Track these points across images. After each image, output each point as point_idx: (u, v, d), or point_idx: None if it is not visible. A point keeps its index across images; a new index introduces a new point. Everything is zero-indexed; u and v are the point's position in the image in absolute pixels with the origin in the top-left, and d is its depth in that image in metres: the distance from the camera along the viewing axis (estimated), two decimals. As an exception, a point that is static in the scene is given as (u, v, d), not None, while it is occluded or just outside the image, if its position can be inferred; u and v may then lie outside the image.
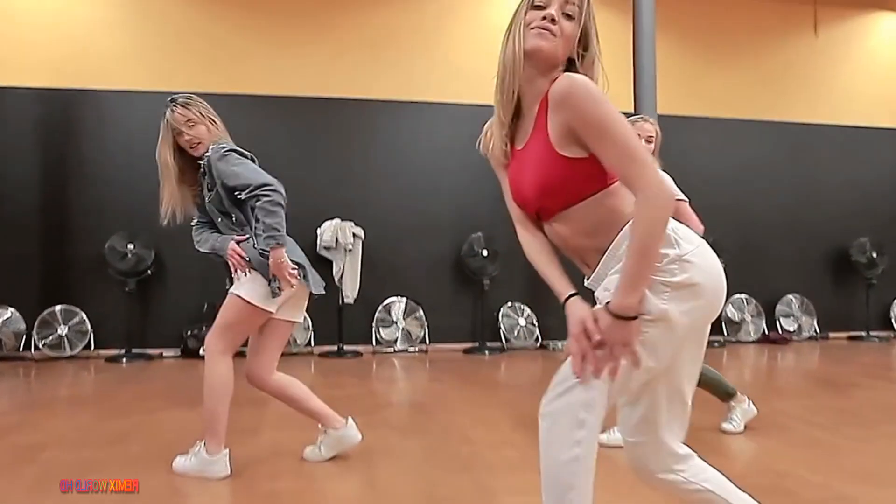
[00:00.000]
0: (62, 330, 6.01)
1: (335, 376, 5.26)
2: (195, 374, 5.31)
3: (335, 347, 6.45)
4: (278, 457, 2.87)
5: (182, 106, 2.60)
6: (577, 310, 1.33)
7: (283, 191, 2.56)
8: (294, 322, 2.78)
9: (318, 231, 6.41)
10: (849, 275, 7.66)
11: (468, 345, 6.78)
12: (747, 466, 2.84)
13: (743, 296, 7.33)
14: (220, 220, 2.67)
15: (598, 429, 1.29)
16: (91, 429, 3.42)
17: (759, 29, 7.72)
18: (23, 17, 6.33)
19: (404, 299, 6.71)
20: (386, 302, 6.68)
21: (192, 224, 2.77)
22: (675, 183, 2.76)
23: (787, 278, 7.59)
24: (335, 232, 6.39)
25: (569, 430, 1.26)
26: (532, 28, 1.34)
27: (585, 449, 1.26)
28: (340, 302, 6.41)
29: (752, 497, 1.46)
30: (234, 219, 2.63)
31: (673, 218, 1.30)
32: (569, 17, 1.35)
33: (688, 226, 1.41)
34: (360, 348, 6.53)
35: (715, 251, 1.38)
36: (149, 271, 6.15)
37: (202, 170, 2.64)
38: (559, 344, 6.82)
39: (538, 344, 6.92)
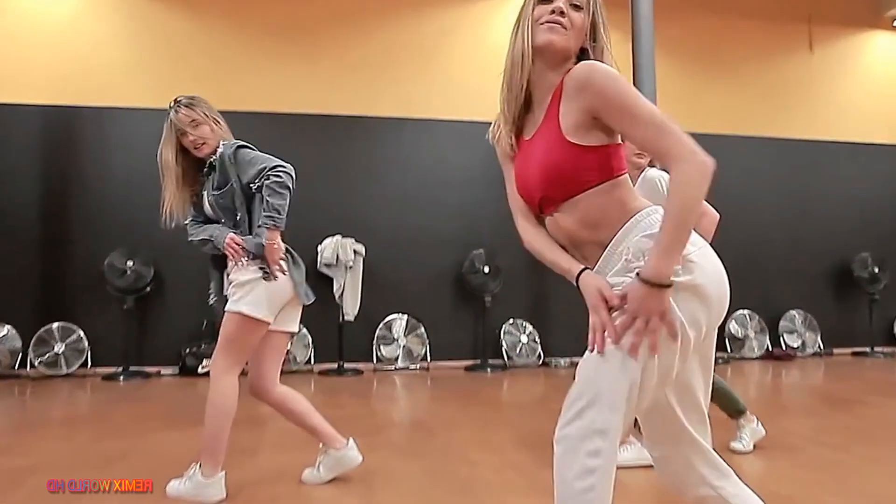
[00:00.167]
0: (59, 347, 5.89)
1: (335, 395, 5.14)
2: (193, 392, 5.20)
3: (335, 365, 6.33)
4: (276, 479, 2.74)
5: (186, 107, 2.55)
6: (591, 280, 1.29)
7: (293, 174, 2.51)
8: (290, 332, 2.69)
9: (319, 248, 6.31)
10: (851, 290, 7.57)
11: (470, 362, 6.67)
12: (760, 488, 2.69)
13: (746, 312, 7.24)
14: (223, 219, 2.60)
15: (615, 455, 1.22)
16: (84, 451, 3.29)
17: (756, 47, 7.72)
18: (26, 35, 6.31)
19: (405, 316, 6.61)
20: (387, 319, 6.58)
21: (187, 222, 2.69)
22: None
23: (790, 294, 7.50)
24: (336, 249, 6.31)
25: (584, 457, 1.19)
26: (542, 23, 1.32)
27: (600, 477, 1.19)
28: (341, 319, 6.31)
29: None
30: (238, 217, 2.56)
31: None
32: (577, 7, 1.34)
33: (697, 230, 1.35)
34: (360, 366, 6.42)
35: None
36: (147, 288, 6.05)
37: (207, 169, 2.58)
38: (562, 361, 6.71)
39: (540, 361, 6.80)
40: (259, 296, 2.46)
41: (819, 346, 7.42)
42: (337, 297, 6.31)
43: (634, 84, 5.80)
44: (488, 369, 6.48)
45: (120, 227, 6.15)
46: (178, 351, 6.09)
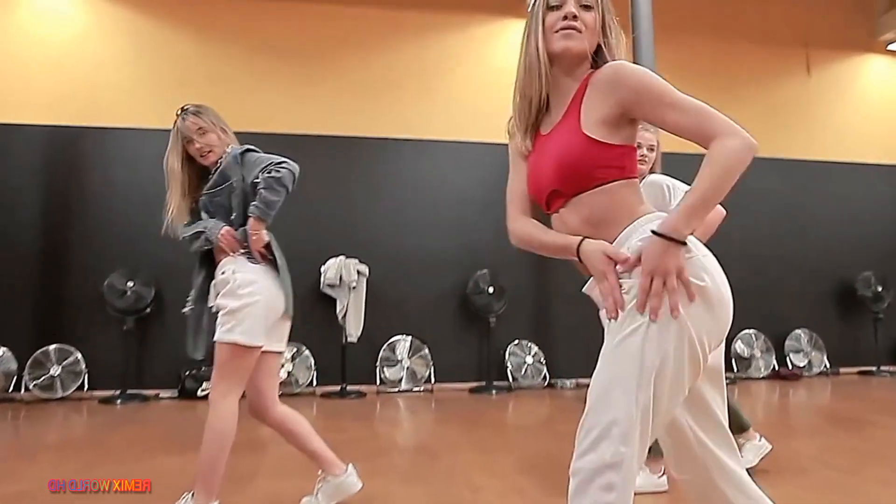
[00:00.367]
0: (55, 370, 5.63)
1: (337, 418, 4.93)
2: (192, 415, 4.96)
3: (338, 388, 6.09)
4: (274, 508, 2.60)
5: (193, 114, 2.48)
6: (594, 246, 1.26)
7: (296, 172, 2.44)
8: (280, 352, 2.56)
9: (322, 269, 6.12)
10: (855, 309, 7.40)
11: (474, 384, 6.43)
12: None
13: (751, 331, 7.06)
14: (215, 217, 2.49)
15: (630, 487, 1.15)
16: (78, 477, 3.13)
17: (755, 69, 7.69)
18: (31, 55, 6.19)
19: (409, 338, 6.40)
20: (390, 340, 6.37)
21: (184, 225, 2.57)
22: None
23: (795, 313, 7.32)
24: (339, 269, 6.14)
25: (596, 492, 1.13)
26: (556, 31, 1.31)
27: None
28: (344, 341, 6.09)
29: None
30: (233, 216, 2.45)
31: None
32: (587, 7, 1.32)
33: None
34: (363, 388, 6.19)
35: None
36: (148, 309, 5.84)
37: (213, 174, 2.48)
38: (567, 382, 6.49)
39: (546, 383, 6.55)
40: (253, 323, 2.32)
41: (825, 366, 7.22)
42: (340, 318, 6.13)
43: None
44: (493, 391, 6.25)
45: (121, 248, 5.96)
46: (177, 373, 5.87)
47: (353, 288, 6.14)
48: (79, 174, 6.25)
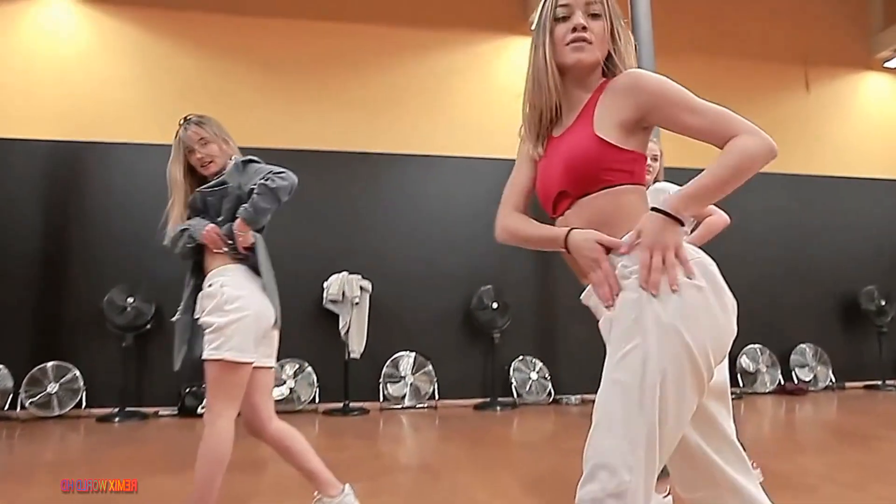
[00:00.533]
0: (52, 388, 5.42)
1: (339, 436, 4.76)
2: (192, 434, 4.76)
3: (341, 404, 5.89)
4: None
5: (196, 124, 2.42)
6: (584, 234, 1.24)
7: (294, 184, 2.35)
8: (270, 368, 2.42)
9: (325, 284, 5.95)
10: (859, 323, 7.27)
11: (479, 400, 6.23)
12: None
13: (756, 346, 6.91)
14: (202, 215, 2.42)
15: None
16: (71, 498, 2.91)
17: (755, 86, 7.64)
18: (35, 71, 6.09)
19: (413, 354, 6.21)
20: (394, 357, 6.18)
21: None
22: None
23: (799, 328, 7.17)
24: (342, 285, 5.98)
25: None
26: (567, 44, 1.28)
27: None
28: (347, 357, 5.90)
29: None
30: (220, 218, 2.36)
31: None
32: (595, 16, 1.29)
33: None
34: (366, 405, 5.99)
35: None
36: (148, 325, 5.65)
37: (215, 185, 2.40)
38: (573, 398, 6.31)
39: (551, 399, 6.36)
40: (242, 339, 2.20)
41: (831, 380, 7.06)
42: (343, 333, 5.95)
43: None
44: (498, 407, 6.05)
45: (122, 263, 5.79)
46: (177, 390, 5.67)
47: (356, 304, 5.98)
48: (80, 189, 6.10)
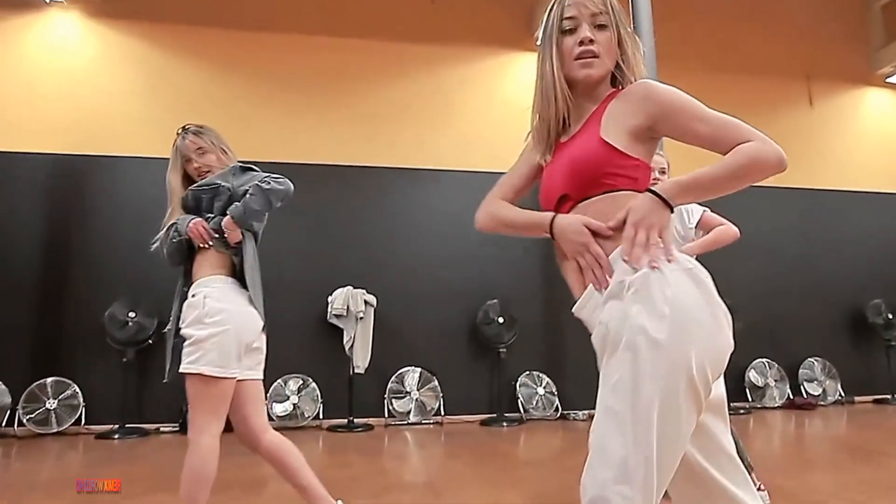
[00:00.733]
0: (51, 404, 5.24)
1: (343, 453, 4.59)
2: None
3: (345, 420, 5.73)
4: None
5: (194, 134, 2.38)
6: (570, 218, 1.21)
7: (289, 191, 2.27)
8: (258, 379, 2.31)
9: (329, 298, 5.80)
10: (868, 337, 7.10)
11: (485, 416, 6.05)
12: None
13: (765, 360, 6.75)
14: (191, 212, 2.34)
15: None
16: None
17: (758, 101, 7.56)
18: (40, 84, 6.00)
19: (418, 369, 6.04)
20: (399, 372, 6.02)
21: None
22: None
23: (807, 342, 7.00)
24: (346, 300, 5.85)
25: None
26: (575, 59, 1.26)
27: None
28: (351, 372, 5.74)
29: None
30: (208, 217, 2.27)
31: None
32: (602, 27, 1.27)
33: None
34: (371, 421, 5.81)
35: (733, 315, 1.19)
36: (150, 340, 5.51)
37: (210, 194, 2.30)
38: (580, 414, 6.13)
39: (558, 414, 6.19)
40: (221, 353, 2.08)
41: (840, 394, 6.89)
42: (347, 348, 5.80)
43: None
44: (504, 423, 5.87)
45: (124, 278, 5.64)
46: (179, 407, 5.53)
47: (361, 318, 5.83)
48: (83, 202, 5.98)
